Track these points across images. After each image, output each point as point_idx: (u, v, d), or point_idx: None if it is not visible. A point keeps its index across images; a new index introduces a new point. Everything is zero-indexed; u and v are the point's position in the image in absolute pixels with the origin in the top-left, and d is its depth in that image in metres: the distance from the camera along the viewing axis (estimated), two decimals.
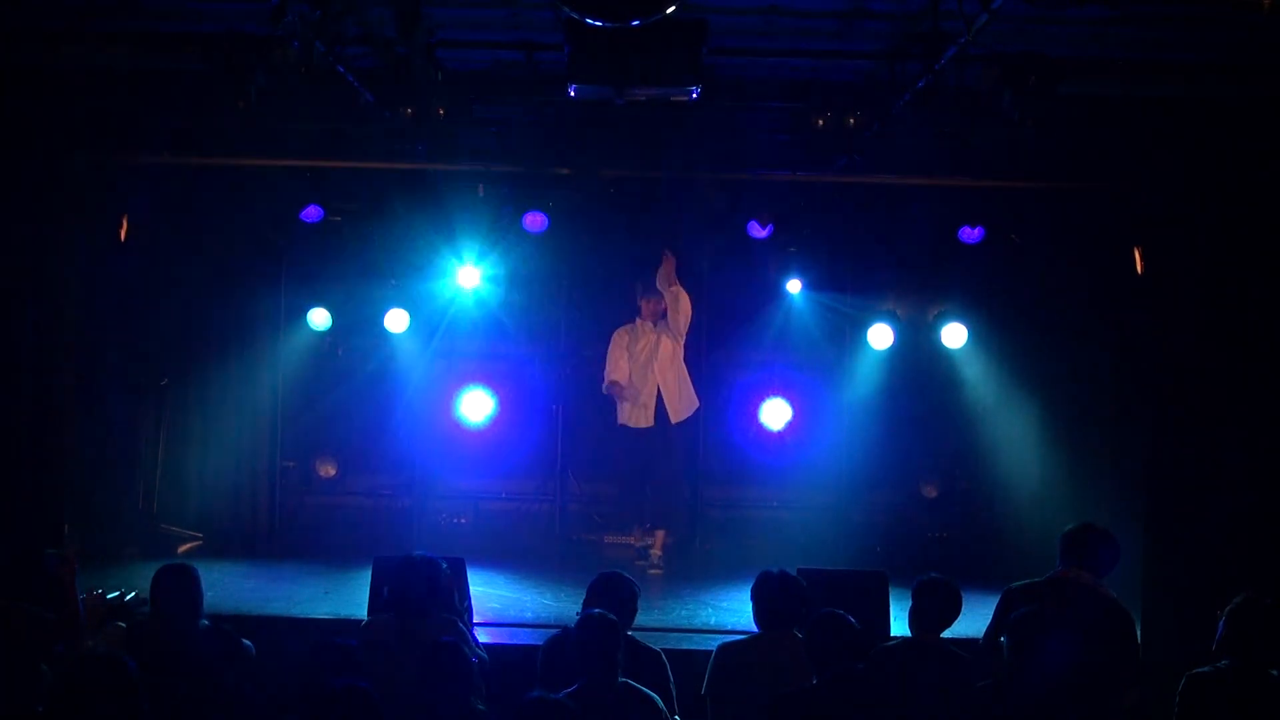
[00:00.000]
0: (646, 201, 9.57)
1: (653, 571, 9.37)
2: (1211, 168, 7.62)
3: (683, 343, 9.74)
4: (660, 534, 9.72)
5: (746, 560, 8.97)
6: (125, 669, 4.28)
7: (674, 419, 9.67)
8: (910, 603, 5.73)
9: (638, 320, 9.80)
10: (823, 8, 6.55)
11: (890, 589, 6.97)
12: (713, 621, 8.06)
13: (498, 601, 8.40)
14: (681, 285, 9.62)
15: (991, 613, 6.08)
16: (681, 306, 9.60)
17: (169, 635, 5.46)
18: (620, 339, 9.84)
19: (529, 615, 8.11)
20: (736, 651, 5.74)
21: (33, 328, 7.90)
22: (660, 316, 9.71)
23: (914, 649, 5.66)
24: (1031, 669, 5.09)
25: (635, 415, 9.71)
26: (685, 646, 7.08)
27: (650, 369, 9.65)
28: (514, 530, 10.45)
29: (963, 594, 5.75)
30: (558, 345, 10.65)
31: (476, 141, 8.83)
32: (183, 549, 9.85)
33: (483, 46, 7.33)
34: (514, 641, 7.26)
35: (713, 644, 5.91)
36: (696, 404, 9.88)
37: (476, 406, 10.53)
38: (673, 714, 5.30)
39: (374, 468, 10.73)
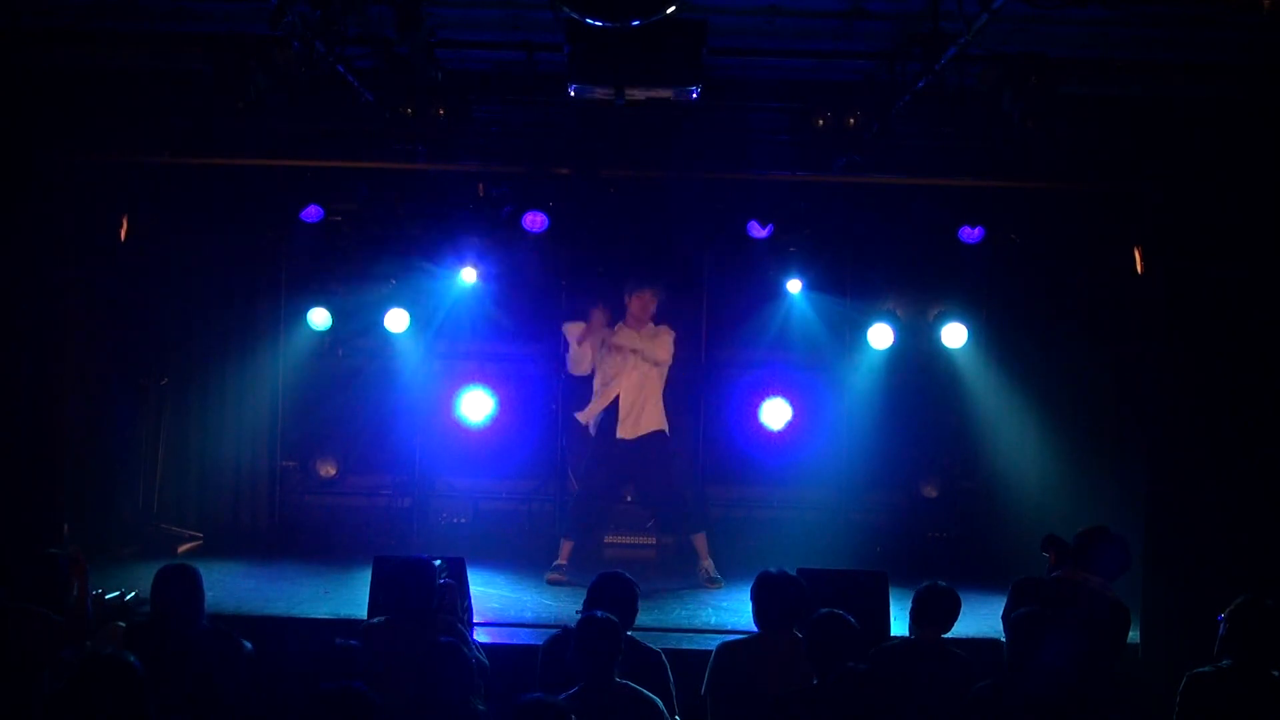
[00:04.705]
0: (646, 201, 9.56)
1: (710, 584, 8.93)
2: (1212, 168, 7.62)
3: (662, 371, 9.16)
4: (699, 539, 9.20)
5: (746, 560, 8.96)
6: (132, 670, 4.28)
7: (620, 434, 9.08)
8: (910, 604, 5.75)
9: (619, 325, 9.22)
10: (823, 8, 6.54)
11: (890, 589, 6.97)
12: (713, 621, 8.06)
13: (498, 601, 8.39)
14: (667, 323, 9.21)
15: (991, 613, 6.11)
16: (660, 343, 9.11)
17: (169, 635, 5.45)
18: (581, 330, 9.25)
19: (529, 615, 8.10)
20: (736, 651, 5.74)
21: (33, 328, 7.90)
22: (651, 318, 9.17)
23: (914, 649, 5.68)
24: (1031, 669, 5.10)
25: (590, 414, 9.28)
26: (685, 646, 7.09)
27: (617, 379, 9.13)
28: (514, 530, 10.43)
29: (962, 594, 5.78)
30: (557, 345, 10.60)
31: (476, 141, 8.84)
32: (183, 549, 9.84)
33: (483, 46, 7.33)
34: (514, 641, 7.26)
35: (713, 644, 5.91)
36: (658, 426, 9.13)
37: (476, 406, 10.52)
38: (673, 715, 5.30)
39: (374, 468, 10.71)
